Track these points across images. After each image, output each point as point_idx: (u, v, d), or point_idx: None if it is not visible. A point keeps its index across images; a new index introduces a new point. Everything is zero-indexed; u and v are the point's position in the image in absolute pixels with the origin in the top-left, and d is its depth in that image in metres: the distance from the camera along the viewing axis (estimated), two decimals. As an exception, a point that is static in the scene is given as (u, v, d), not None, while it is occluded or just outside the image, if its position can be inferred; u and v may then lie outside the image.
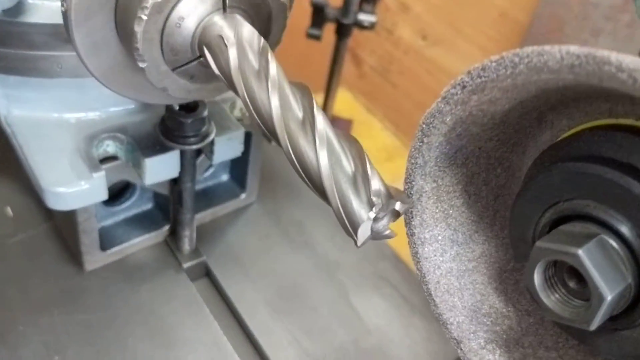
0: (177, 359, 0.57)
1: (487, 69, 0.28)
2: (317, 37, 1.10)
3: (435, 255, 0.35)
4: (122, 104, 0.57)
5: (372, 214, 0.31)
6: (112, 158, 0.56)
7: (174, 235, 0.66)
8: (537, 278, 0.29)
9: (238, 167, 0.71)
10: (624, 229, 0.28)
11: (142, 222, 0.66)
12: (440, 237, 0.35)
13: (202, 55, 0.39)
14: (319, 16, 1.07)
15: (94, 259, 0.62)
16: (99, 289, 0.61)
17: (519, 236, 0.32)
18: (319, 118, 0.32)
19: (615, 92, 0.25)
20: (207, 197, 0.70)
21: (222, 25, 0.38)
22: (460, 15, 1.65)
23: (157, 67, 0.41)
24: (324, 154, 0.32)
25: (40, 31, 0.49)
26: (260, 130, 0.63)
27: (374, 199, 0.31)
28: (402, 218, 0.34)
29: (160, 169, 0.55)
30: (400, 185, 0.34)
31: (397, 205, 0.32)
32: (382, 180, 0.31)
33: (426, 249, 0.35)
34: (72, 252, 0.63)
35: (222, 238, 0.68)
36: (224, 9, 0.39)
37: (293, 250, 0.69)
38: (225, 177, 0.72)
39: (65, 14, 0.39)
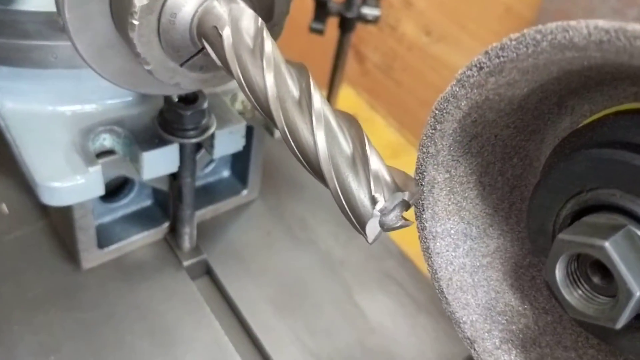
0: (176, 358, 0.56)
1: (506, 48, 0.26)
2: (319, 32, 1.08)
3: (447, 251, 0.33)
4: (120, 96, 0.55)
5: (377, 212, 0.29)
6: (109, 152, 0.54)
7: (174, 232, 0.65)
8: (559, 273, 0.27)
9: (239, 163, 0.69)
10: (654, 220, 0.26)
11: (141, 219, 0.65)
12: (453, 231, 0.33)
13: (203, 46, 0.38)
14: (321, 10, 1.05)
15: (91, 256, 0.61)
16: (96, 287, 0.60)
17: (538, 229, 0.30)
18: (316, 97, 0.31)
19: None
20: (207, 194, 0.69)
21: (217, 12, 0.37)
22: (465, 10, 1.63)
23: (164, 65, 0.40)
24: (322, 134, 0.30)
25: (33, 19, 0.48)
26: (262, 122, 0.61)
27: (376, 195, 0.29)
28: (412, 210, 0.32)
29: (159, 163, 0.54)
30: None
31: (406, 196, 0.30)
32: (384, 164, 0.30)
33: (438, 243, 0.33)
34: (69, 250, 0.62)
35: (223, 235, 0.67)
36: None
37: (296, 248, 0.68)
38: (226, 173, 0.71)
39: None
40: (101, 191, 0.51)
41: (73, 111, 0.54)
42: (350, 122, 0.31)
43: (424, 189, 0.32)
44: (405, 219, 0.30)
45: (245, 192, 0.70)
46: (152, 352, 0.56)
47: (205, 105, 0.53)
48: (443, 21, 1.70)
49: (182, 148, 0.55)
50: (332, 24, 1.17)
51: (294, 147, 0.32)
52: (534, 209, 0.30)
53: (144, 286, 0.61)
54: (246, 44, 0.34)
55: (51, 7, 0.41)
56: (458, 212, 0.33)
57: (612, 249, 0.25)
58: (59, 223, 0.63)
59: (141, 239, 0.64)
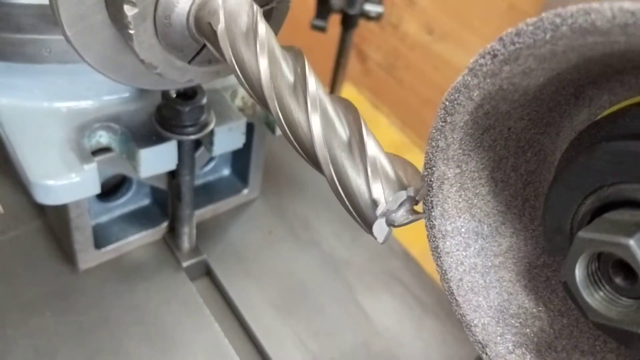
0: (175, 363, 0.54)
1: (522, 34, 0.24)
2: (322, 29, 1.06)
3: (457, 250, 0.32)
4: (116, 92, 0.54)
5: (380, 214, 0.28)
6: (106, 150, 0.53)
7: (173, 232, 0.63)
8: (579, 273, 0.26)
9: (240, 161, 0.68)
10: (680, 217, 0.24)
11: (139, 218, 0.63)
12: (463, 230, 0.32)
13: (205, 43, 0.38)
14: (323, 7, 1.04)
15: (88, 257, 0.60)
16: (93, 289, 0.59)
17: (555, 227, 0.29)
18: (311, 81, 0.30)
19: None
20: (207, 193, 0.67)
21: (210, 6, 0.36)
22: (468, 8, 1.61)
23: (172, 66, 0.40)
24: (317, 118, 0.29)
25: (26, 12, 0.46)
26: (263, 119, 0.60)
27: (376, 197, 0.28)
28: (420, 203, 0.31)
29: (157, 160, 0.52)
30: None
31: (410, 192, 0.28)
32: (382, 150, 0.28)
33: (447, 242, 0.32)
34: (65, 251, 0.61)
35: (223, 235, 0.66)
36: None
37: (298, 248, 0.67)
38: (226, 172, 0.70)
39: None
40: (97, 190, 0.50)
41: (68, 107, 0.52)
42: (347, 108, 0.30)
43: (433, 185, 0.31)
44: (417, 212, 0.28)
45: (245, 191, 0.68)
46: (150, 356, 0.55)
47: (204, 101, 0.51)
48: (445, 19, 1.68)
49: (180, 145, 0.53)
50: (334, 21, 1.15)
51: (289, 133, 0.31)
52: (551, 206, 0.29)
53: (142, 287, 0.60)
54: (240, 28, 0.33)
55: (44, 0, 0.39)
56: (469, 210, 0.32)
57: (637, 247, 0.23)
58: (55, 223, 0.62)
59: (139, 239, 0.62)
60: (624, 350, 0.31)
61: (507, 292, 0.33)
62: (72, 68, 0.50)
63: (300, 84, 0.30)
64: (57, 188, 0.48)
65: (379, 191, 0.28)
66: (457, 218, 0.32)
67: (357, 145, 0.29)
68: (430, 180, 0.31)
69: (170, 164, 0.54)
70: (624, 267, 0.25)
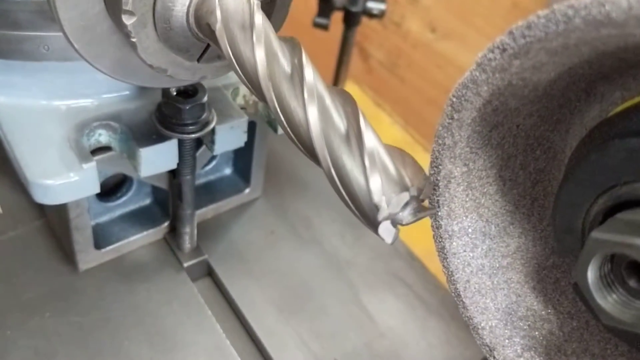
0: (176, 365, 0.54)
1: (533, 27, 0.23)
2: (324, 27, 1.06)
3: (464, 251, 0.31)
4: (116, 90, 0.53)
5: (383, 218, 0.27)
6: (105, 149, 0.52)
7: (174, 232, 0.63)
8: (591, 275, 0.25)
9: (242, 160, 0.67)
10: (697, 217, 0.23)
11: (140, 218, 0.63)
12: (470, 230, 0.31)
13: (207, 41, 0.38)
14: (326, 4, 1.03)
15: (88, 257, 0.59)
16: (93, 289, 0.58)
17: (565, 227, 0.28)
18: (308, 72, 0.30)
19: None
20: (209, 192, 0.67)
21: (207, 5, 0.35)
22: (471, 6, 1.60)
23: (181, 67, 0.40)
24: (314, 109, 0.29)
25: (23, 9, 0.46)
26: (265, 117, 0.59)
27: (377, 202, 0.27)
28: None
29: (157, 160, 0.52)
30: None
31: (413, 192, 0.27)
32: (381, 142, 0.28)
33: (454, 243, 0.31)
34: (65, 251, 0.60)
35: (224, 235, 0.65)
36: None
37: (300, 248, 0.66)
38: (228, 171, 0.69)
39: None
40: (96, 189, 0.49)
41: (67, 105, 0.51)
42: (346, 99, 0.30)
43: (440, 184, 0.30)
44: (424, 208, 0.27)
45: (247, 190, 0.68)
46: (151, 357, 0.54)
47: (205, 98, 0.51)
48: (448, 17, 1.67)
49: (181, 144, 0.53)
50: (336, 19, 1.14)
51: (286, 125, 0.30)
52: (561, 206, 0.28)
53: (142, 288, 0.59)
54: (237, 26, 0.32)
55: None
56: (476, 209, 0.31)
57: (652, 248, 0.23)
58: (54, 223, 0.61)
59: (140, 239, 0.62)
60: (635, 354, 0.31)
61: (515, 294, 0.32)
62: (71, 66, 0.49)
63: (298, 75, 0.30)
64: (56, 187, 0.47)
65: (377, 186, 0.27)
66: (464, 218, 0.31)
67: (354, 136, 0.28)
68: (437, 179, 0.30)
69: (171, 163, 0.53)
70: (638, 269, 0.24)
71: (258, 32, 0.31)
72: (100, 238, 0.60)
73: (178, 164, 0.54)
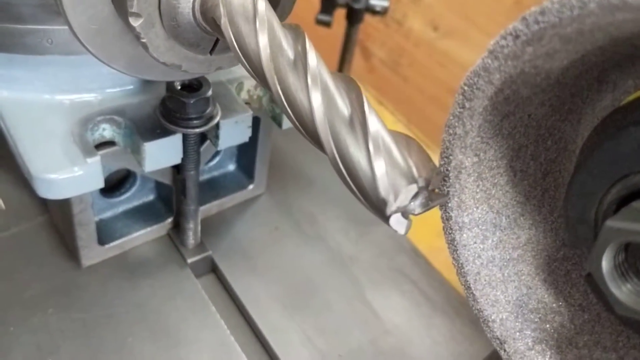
0: (180, 361, 0.53)
1: (547, 12, 0.23)
2: (326, 24, 1.05)
3: (475, 242, 0.31)
4: (120, 84, 0.52)
5: (392, 212, 0.26)
6: (109, 144, 0.52)
7: (178, 228, 0.62)
8: (606, 265, 0.25)
9: (245, 156, 0.67)
10: None
11: (143, 214, 0.62)
12: (481, 221, 0.30)
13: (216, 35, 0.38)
14: (328, 1, 1.03)
15: (92, 254, 0.58)
16: (96, 285, 0.58)
17: (578, 217, 0.27)
18: (311, 57, 0.29)
19: None
20: (212, 188, 0.66)
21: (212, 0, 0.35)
22: (473, 4, 1.60)
23: (195, 61, 0.40)
24: (317, 95, 0.29)
25: (26, 2, 0.45)
26: (269, 112, 0.59)
27: (384, 197, 0.26)
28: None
29: (161, 154, 0.51)
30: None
31: (421, 183, 0.27)
32: (386, 130, 0.27)
33: (465, 235, 0.30)
34: (69, 247, 0.60)
35: (228, 231, 0.65)
36: None
37: (305, 244, 0.65)
38: (231, 167, 0.68)
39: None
40: (100, 184, 0.49)
41: (71, 100, 0.51)
42: (350, 85, 0.29)
43: (450, 174, 0.29)
44: (436, 196, 0.27)
45: (251, 186, 0.67)
46: (154, 354, 0.54)
47: (210, 93, 0.50)
48: (451, 15, 1.67)
49: (185, 138, 0.52)
50: (339, 17, 1.14)
51: (289, 110, 0.30)
52: (573, 196, 0.27)
53: (146, 284, 0.59)
54: (241, 17, 0.32)
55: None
56: (487, 201, 0.31)
57: (669, 237, 0.22)
58: (58, 219, 0.61)
59: (143, 235, 0.61)
60: (648, 347, 0.30)
61: (525, 286, 0.32)
62: (75, 60, 0.49)
63: (301, 61, 0.30)
64: (60, 182, 0.47)
65: (382, 171, 0.27)
66: (475, 209, 0.30)
67: (358, 122, 0.28)
68: (447, 170, 0.29)
69: (175, 158, 0.53)
70: (653, 258, 0.24)
71: (261, 19, 0.31)
72: (104, 234, 0.59)
73: (182, 159, 0.53)
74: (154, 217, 0.62)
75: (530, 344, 0.31)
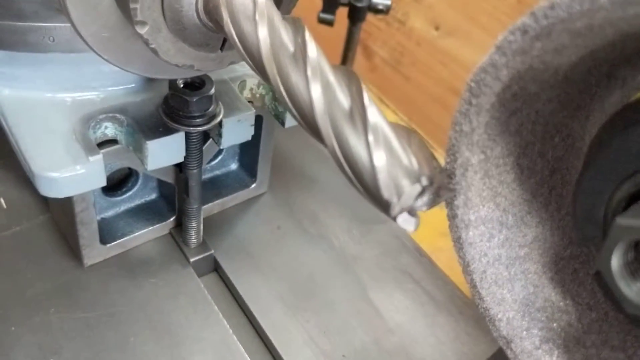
0: (183, 359, 0.53)
1: (556, 7, 0.22)
2: (328, 22, 1.05)
3: (481, 241, 0.30)
4: (122, 82, 0.52)
5: (397, 212, 0.26)
6: (111, 142, 0.52)
7: (180, 227, 0.62)
8: (615, 263, 0.24)
9: (248, 155, 0.66)
10: None
11: (146, 213, 0.62)
12: (487, 219, 0.30)
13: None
14: None
15: (94, 253, 0.58)
16: (98, 285, 0.58)
17: (586, 215, 0.27)
18: (311, 49, 0.29)
19: None
20: (215, 187, 0.66)
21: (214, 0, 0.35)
22: (475, 3, 1.59)
23: (207, 60, 0.41)
24: (317, 87, 0.29)
25: (29, -1, 0.45)
26: (272, 111, 0.58)
27: (388, 198, 0.26)
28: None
29: (164, 153, 0.51)
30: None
31: (424, 182, 0.27)
32: (386, 121, 0.27)
33: (471, 233, 0.30)
34: (70, 246, 0.59)
35: (231, 230, 0.65)
36: None
37: (307, 243, 0.65)
38: (234, 166, 0.68)
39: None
40: (103, 182, 0.49)
41: (73, 98, 0.51)
42: (350, 77, 0.29)
43: (456, 172, 0.29)
44: (442, 191, 0.27)
45: (254, 185, 0.67)
46: (156, 353, 0.53)
47: (212, 91, 0.50)
48: (453, 14, 1.66)
49: (188, 137, 0.52)
50: (341, 15, 1.14)
51: (289, 102, 0.30)
52: (582, 193, 0.27)
53: (148, 283, 0.58)
54: (243, 15, 0.32)
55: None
56: (493, 198, 0.30)
57: (681, 234, 0.22)
58: (59, 217, 0.61)
59: (146, 234, 0.61)
60: (657, 346, 0.30)
61: (532, 285, 0.31)
62: (77, 57, 0.49)
63: (301, 53, 0.30)
64: (62, 180, 0.46)
65: (382, 163, 0.26)
66: (481, 207, 0.30)
67: (358, 114, 0.28)
68: (453, 167, 0.29)
69: (178, 156, 0.52)
70: (664, 256, 0.24)
71: (261, 12, 0.31)
72: (106, 233, 0.59)
73: (185, 158, 0.53)
74: (156, 216, 0.62)
75: (537, 343, 0.31)
